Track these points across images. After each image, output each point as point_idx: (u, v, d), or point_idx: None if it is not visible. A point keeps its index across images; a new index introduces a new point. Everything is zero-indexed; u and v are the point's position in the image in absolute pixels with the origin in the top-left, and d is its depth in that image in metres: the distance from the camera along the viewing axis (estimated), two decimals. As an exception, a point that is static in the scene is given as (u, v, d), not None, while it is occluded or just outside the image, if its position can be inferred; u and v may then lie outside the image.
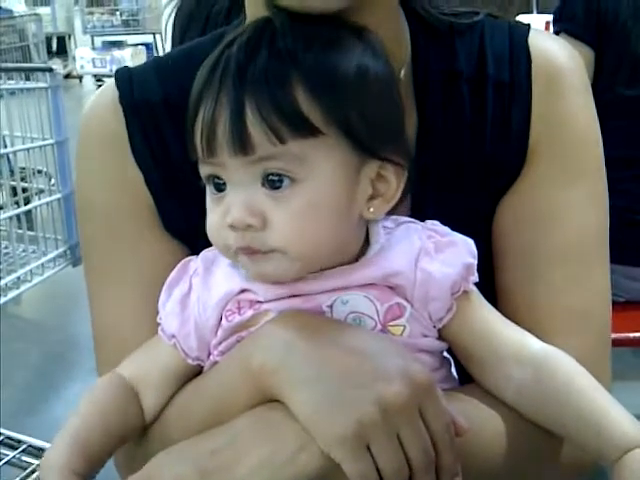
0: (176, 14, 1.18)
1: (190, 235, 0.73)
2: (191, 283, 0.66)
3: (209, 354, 0.66)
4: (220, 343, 0.65)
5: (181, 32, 1.19)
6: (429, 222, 0.68)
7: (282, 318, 0.62)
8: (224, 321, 0.64)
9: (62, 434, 0.63)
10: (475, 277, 0.65)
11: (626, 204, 1.76)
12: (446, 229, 0.67)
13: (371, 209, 0.63)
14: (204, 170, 0.62)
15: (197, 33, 1.11)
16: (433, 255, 0.64)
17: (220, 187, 0.62)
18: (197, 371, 0.68)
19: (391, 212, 0.66)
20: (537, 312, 0.71)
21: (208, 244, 0.66)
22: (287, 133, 0.58)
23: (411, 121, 0.74)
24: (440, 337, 0.66)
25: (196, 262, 0.68)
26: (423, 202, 0.73)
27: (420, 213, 0.71)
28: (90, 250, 0.78)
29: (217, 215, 0.62)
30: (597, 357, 0.72)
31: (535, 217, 0.73)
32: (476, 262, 0.65)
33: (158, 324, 0.67)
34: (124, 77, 0.76)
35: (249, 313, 0.63)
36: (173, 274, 0.68)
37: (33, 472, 1.69)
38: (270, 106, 0.58)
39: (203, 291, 0.65)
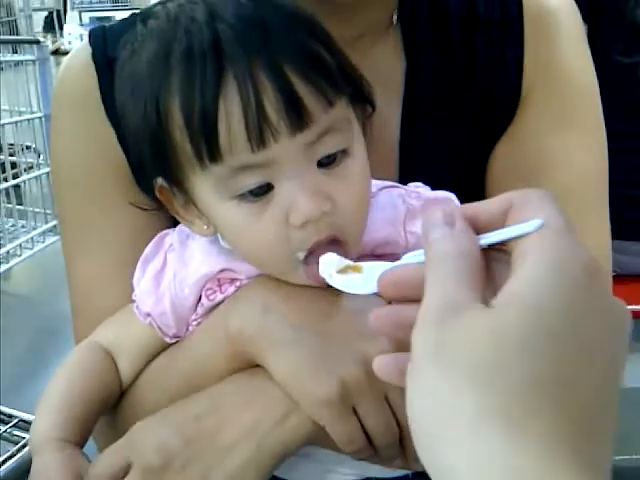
0: None
1: None
2: (165, 258, 0.63)
3: (187, 329, 0.64)
4: (198, 318, 0.63)
5: None
6: (411, 184, 0.65)
7: (258, 282, 0.60)
8: (205, 300, 0.62)
9: (44, 405, 0.62)
10: None
11: (618, 177, 1.75)
12: (428, 189, 0.64)
13: None
14: (238, 178, 0.53)
15: None
16: (420, 215, 0.61)
17: (260, 192, 0.53)
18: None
19: (381, 162, 0.64)
20: None
21: None
22: (332, 93, 0.52)
23: (399, 64, 0.72)
24: None
25: (172, 236, 0.65)
26: (413, 148, 0.72)
27: (410, 161, 0.70)
28: (64, 213, 0.76)
29: (267, 224, 0.54)
30: None
31: (529, 164, 0.71)
32: None
33: (133, 301, 0.65)
34: (98, 35, 0.74)
35: (231, 290, 0.61)
36: (148, 249, 0.65)
37: (24, 446, 1.69)
38: (310, 64, 0.52)
39: (179, 267, 0.62)
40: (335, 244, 0.55)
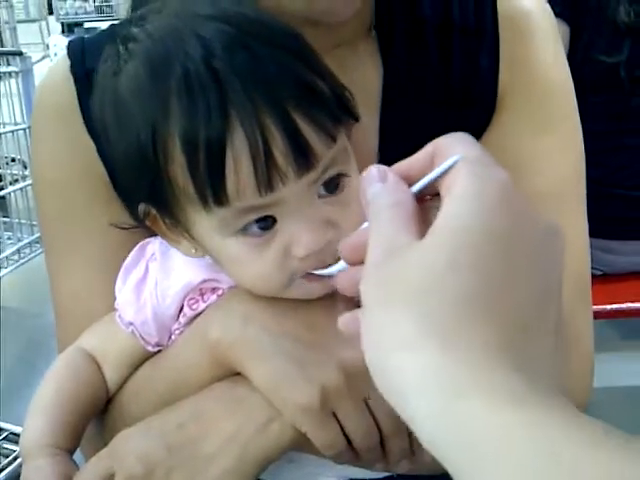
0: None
1: None
2: (147, 267, 0.63)
3: (169, 337, 0.64)
4: (181, 327, 0.63)
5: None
6: None
7: (239, 291, 0.60)
8: (187, 309, 0.62)
9: (34, 411, 0.62)
10: None
11: (602, 177, 1.76)
12: None
13: None
14: (243, 217, 0.53)
15: None
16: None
17: (265, 226, 0.54)
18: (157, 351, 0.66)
19: (360, 171, 0.64)
20: None
21: None
22: (333, 129, 0.53)
23: (376, 72, 0.72)
24: None
25: (154, 245, 0.64)
26: (391, 156, 0.72)
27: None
28: (45, 224, 0.76)
29: (270, 257, 0.54)
30: (574, 304, 0.70)
31: (506, 167, 0.72)
32: None
33: (115, 309, 0.64)
34: (76, 47, 0.74)
35: (213, 298, 0.61)
36: (130, 258, 0.65)
37: (15, 459, 1.68)
38: (312, 105, 0.52)
39: (161, 277, 0.62)
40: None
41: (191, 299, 0.62)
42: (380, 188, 0.43)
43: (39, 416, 0.62)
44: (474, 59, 0.72)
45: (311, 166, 0.52)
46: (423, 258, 0.37)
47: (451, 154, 0.41)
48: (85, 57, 0.72)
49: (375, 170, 0.44)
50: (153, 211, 0.58)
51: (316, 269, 0.55)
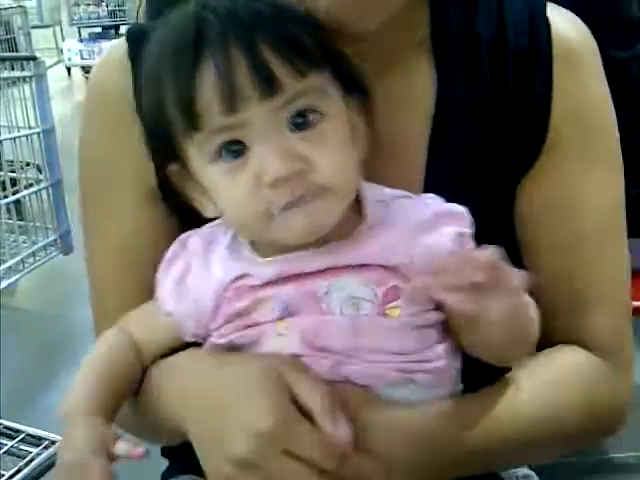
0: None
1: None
2: (189, 262, 0.66)
3: (207, 333, 0.66)
4: (220, 327, 0.64)
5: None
6: (424, 195, 0.66)
7: (191, 366, 0.65)
8: (223, 308, 0.63)
9: (78, 383, 0.66)
10: (471, 246, 0.62)
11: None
12: (441, 200, 0.65)
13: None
14: (216, 139, 0.58)
15: None
16: (432, 226, 0.62)
17: (237, 152, 0.59)
18: None
19: (407, 184, 0.66)
20: (552, 295, 0.70)
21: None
22: (304, 66, 0.58)
23: (430, 84, 0.72)
24: (438, 307, 0.62)
25: (195, 239, 0.67)
26: (440, 169, 0.72)
27: (436, 181, 0.70)
28: (85, 204, 0.78)
29: (243, 183, 0.58)
30: (625, 333, 0.74)
31: (554, 205, 0.72)
32: (471, 231, 0.63)
33: (156, 299, 0.67)
34: (135, 32, 0.74)
35: (246, 300, 0.62)
36: (170, 251, 0.67)
37: (31, 461, 1.69)
38: (284, 41, 0.57)
39: (202, 274, 0.65)
40: (311, 201, 0.58)
41: (226, 297, 0.63)
42: None
43: (78, 388, 0.65)
44: (529, 83, 0.72)
45: (274, 91, 0.57)
46: None
47: None
48: (144, 41, 0.71)
49: None
50: (175, 170, 0.64)
51: (290, 202, 0.57)
